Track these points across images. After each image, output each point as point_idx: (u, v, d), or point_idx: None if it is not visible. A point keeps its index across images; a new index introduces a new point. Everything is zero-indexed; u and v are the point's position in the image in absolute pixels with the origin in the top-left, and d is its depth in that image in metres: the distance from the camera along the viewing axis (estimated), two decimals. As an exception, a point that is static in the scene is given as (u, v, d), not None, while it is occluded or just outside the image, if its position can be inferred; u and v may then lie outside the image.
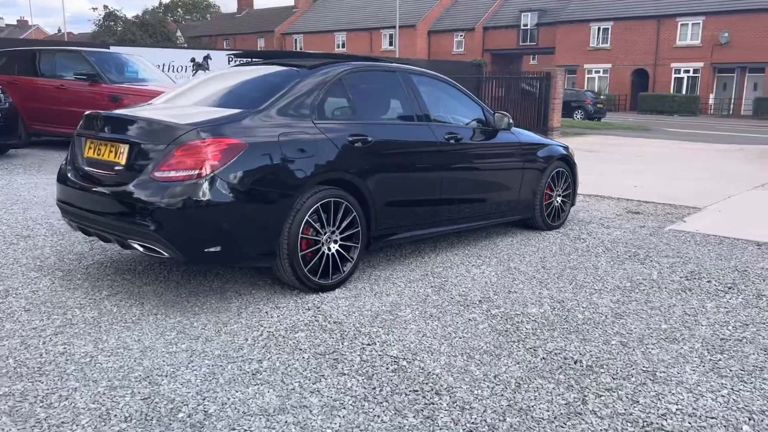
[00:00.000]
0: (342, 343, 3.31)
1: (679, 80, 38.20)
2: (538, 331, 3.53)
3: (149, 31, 47.22)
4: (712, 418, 2.61)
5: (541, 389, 2.83)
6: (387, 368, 3.02)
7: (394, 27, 51.27)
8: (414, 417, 2.59)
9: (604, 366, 3.08)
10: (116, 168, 3.78)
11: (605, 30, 40.64)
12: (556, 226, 6.17)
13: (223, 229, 3.59)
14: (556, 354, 3.22)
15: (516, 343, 3.35)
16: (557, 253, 5.26)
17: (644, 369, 3.06)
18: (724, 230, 6.24)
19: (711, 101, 36.92)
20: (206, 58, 16.10)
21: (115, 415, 2.59)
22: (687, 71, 37.84)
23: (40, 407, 2.64)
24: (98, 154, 3.95)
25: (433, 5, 50.58)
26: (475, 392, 2.80)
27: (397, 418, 2.58)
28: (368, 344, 3.31)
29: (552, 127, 18.38)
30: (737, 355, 3.25)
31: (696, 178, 10.11)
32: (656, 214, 7.12)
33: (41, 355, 3.14)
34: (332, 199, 4.02)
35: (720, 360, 3.18)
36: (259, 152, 3.72)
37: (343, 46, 53.87)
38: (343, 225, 4.11)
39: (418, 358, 3.14)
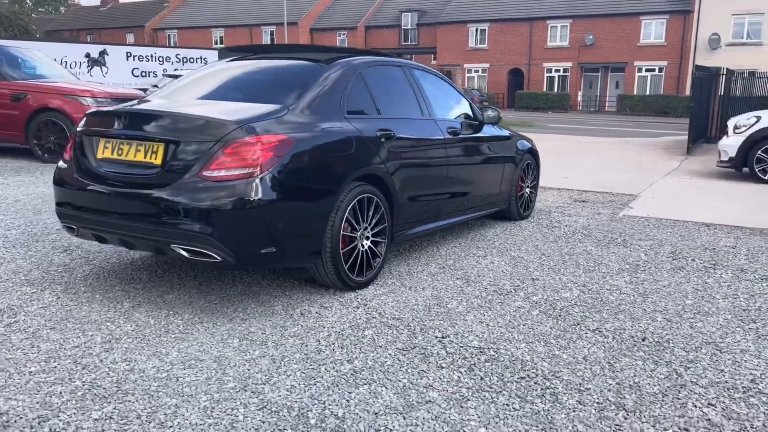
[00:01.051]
0: (416, 338, 3.30)
1: (551, 79, 40.80)
2: (588, 313, 3.71)
3: (3, 24, 43.14)
4: (788, 378, 2.91)
5: (634, 366, 2.99)
6: (479, 358, 3.06)
7: (274, 24, 50.65)
8: (542, 402, 2.65)
9: (670, 341, 3.31)
10: (150, 168, 3.51)
11: (482, 31, 42.51)
12: (526, 216, 6.45)
13: (277, 229, 3.45)
14: (620, 333, 3.41)
15: (577, 327, 3.50)
16: (545, 240, 5.51)
17: (705, 341, 3.32)
18: (669, 214, 6.83)
19: (579, 98, 39.78)
20: (102, 53, 15.08)
21: (243, 428, 2.44)
22: (558, 70, 40.49)
23: (155, 427, 2.43)
24: (119, 154, 3.64)
25: (315, 2, 50.43)
26: (579, 374, 2.91)
27: (527, 404, 2.63)
28: (443, 337, 3.32)
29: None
30: None
31: (610, 168, 10.91)
32: (602, 201, 7.63)
33: (108, 374, 2.87)
34: (366, 195, 3.98)
35: (758, 328, 3.52)
36: (305, 148, 3.61)
37: (221, 42, 52.30)
38: (374, 221, 4.08)
39: (501, 347, 3.20)
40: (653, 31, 37.20)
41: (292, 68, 4.25)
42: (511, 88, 41.88)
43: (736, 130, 9.67)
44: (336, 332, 3.37)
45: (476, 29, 42.73)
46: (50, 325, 3.40)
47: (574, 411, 2.58)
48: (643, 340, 3.32)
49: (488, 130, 5.65)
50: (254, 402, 2.63)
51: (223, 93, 4.09)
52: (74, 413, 2.52)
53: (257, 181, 3.34)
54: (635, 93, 37.53)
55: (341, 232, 3.80)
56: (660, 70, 37.27)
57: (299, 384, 2.79)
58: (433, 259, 4.82)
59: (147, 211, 3.47)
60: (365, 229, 4.02)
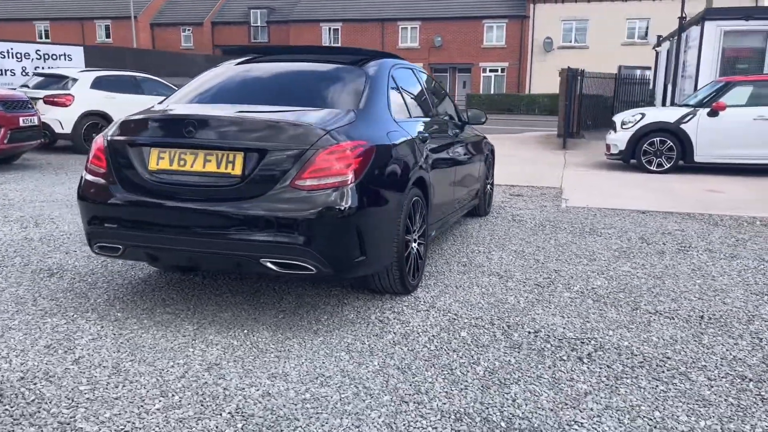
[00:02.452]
0: (513, 335, 3.41)
1: (404, 78, 42.14)
2: (632, 298, 4.03)
3: None
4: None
5: (720, 343, 3.34)
6: (588, 349, 3.24)
7: (110, 18, 47.17)
8: (680, 382, 2.89)
9: (722, 316, 3.73)
10: (226, 179, 3.27)
11: (335, 31, 42.86)
12: (488, 212, 6.77)
13: (367, 237, 3.39)
14: (678, 314, 3.76)
15: (638, 311, 3.81)
16: (525, 234, 5.83)
17: (750, 314, 3.77)
18: (602, 203, 7.50)
19: (431, 97, 41.54)
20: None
21: (445, 438, 2.42)
22: (409, 70, 41.93)
23: (360, 449, 2.34)
24: (182, 165, 3.35)
25: (155, -4, 47.69)
26: (683, 353, 3.20)
27: (670, 386, 2.85)
28: (536, 332, 3.47)
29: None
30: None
31: (510, 163, 11.62)
32: (535, 195, 8.18)
33: (247, 400, 2.68)
34: (416, 198, 4.01)
35: (774, 299, 4.06)
36: (383, 154, 3.57)
37: (46, 36, 47.71)
38: (419, 223, 4.13)
39: (596, 337, 3.42)
40: (495, 34, 39.83)
41: (331, 71, 4.13)
42: (365, 86, 42.62)
43: (624, 126, 10.78)
44: (432, 335, 3.39)
45: (329, 28, 42.98)
46: (127, 358, 3.07)
47: (711, 387, 2.85)
48: (701, 317, 3.70)
49: (468, 130, 5.86)
50: (428, 411, 2.60)
51: (268, 97, 3.88)
52: (263, 446, 2.35)
53: (351, 188, 3.26)
54: (481, 92, 39.95)
55: (404, 236, 3.81)
56: (502, 70, 40.01)
57: (452, 389, 2.79)
58: (445, 258, 4.94)
59: (229, 225, 3.24)
60: (415, 232, 4.05)
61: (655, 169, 10.39)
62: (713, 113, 10.05)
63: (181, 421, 2.51)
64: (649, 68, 22.09)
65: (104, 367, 2.97)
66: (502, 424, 2.50)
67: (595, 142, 15.46)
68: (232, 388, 2.78)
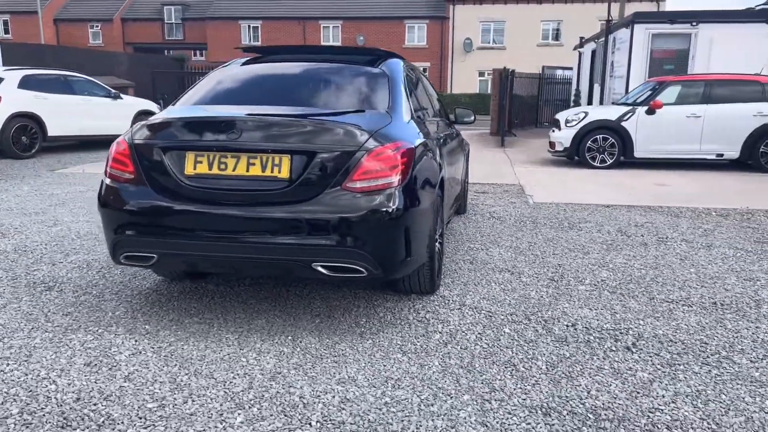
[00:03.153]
0: (554, 329, 3.51)
1: (326, 77, 41.99)
2: (644, 289, 4.24)
3: None
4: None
5: (743, 327, 3.58)
6: (635, 341, 3.39)
7: (9, 12, 44.25)
8: (726, 365, 3.07)
9: (732, 303, 3.97)
10: (273, 183, 3.18)
11: (255, 29, 42.10)
12: (466, 209, 6.90)
13: (413, 237, 3.39)
14: (691, 301, 3.98)
15: (654, 300, 4.00)
16: (510, 230, 5.98)
17: (755, 299, 4.05)
18: (566, 199, 7.81)
19: (354, 96, 41.62)
20: None
21: (543, 432, 2.48)
22: (332, 69, 41.82)
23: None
24: (222, 169, 3.23)
25: (60, -10, 45.15)
26: (717, 338, 3.40)
27: (720, 370, 3.03)
28: (572, 325, 3.58)
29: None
30: None
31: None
32: (500, 192, 8.40)
33: (330, 408, 2.63)
34: (438, 197, 4.05)
35: (764, 283, 4.37)
36: (419, 154, 3.58)
37: (-65, 33, 44.20)
38: (440, 222, 4.17)
39: (631, 327, 3.57)
40: (416, 34, 40.36)
41: (353, 71, 4.08)
42: (287, 86, 42.13)
43: (568, 124, 11.23)
44: (479, 333, 3.43)
45: (249, 26, 42.16)
46: (181, 371, 2.95)
47: (757, 369, 3.04)
48: (714, 304, 3.94)
49: (453, 129, 5.94)
50: (514, 407, 2.64)
51: (296, 98, 3.79)
52: (374, 452, 2.32)
53: (399, 189, 3.25)
54: (404, 91, 40.40)
55: (435, 236, 3.84)
56: (424, 70, 40.56)
57: (524, 384, 2.85)
58: (448, 255, 5.00)
59: (278, 229, 3.16)
60: (437, 231, 4.09)
61: (598, 165, 10.89)
62: (651, 111, 10.64)
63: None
64: (567, 68, 23.03)
65: (161, 382, 2.83)
66: (590, 416, 2.58)
67: (529, 140, 16.00)
68: (307, 396, 2.72)
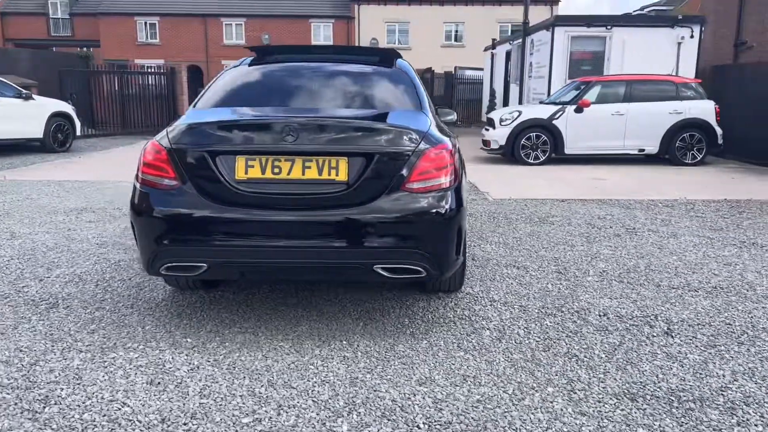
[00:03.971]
0: (589, 320, 3.68)
1: (230, 76, 40.96)
2: (645, 278, 4.51)
3: None
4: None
5: (755, 309, 3.89)
6: (668, 327, 3.62)
7: None
8: (760, 344, 3.36)
9: (729, 287, 4.32)
10: (331, 186, 3.13)
11: (153, 25, 40.35)
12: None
13: (462, 236, 3.45)
14: (694, 287, 4.29)
15: (660, 287, 4.27)
16: (488, 225, 6.16)
17: (746, 282, 4.42)
18: (523, 194, 8.12)
19: (260, 96, 40.86)
20: None
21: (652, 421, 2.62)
22: (236, 68, 40.83)
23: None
24: (276, 173, 3.14)
25: (-73, -19, 41.19)
26: (736, 321, 3.69)
27: (755, 346, 3.32)
28: (604, 314, 3.77)
29: (182, 123, 18.13)
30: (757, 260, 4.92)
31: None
32: (455, 190, 8.59)
33: (420, 408, 2.65)
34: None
35: (741, 269, 4.78)
36: (456, 155, 3.64)
37: None
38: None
39: (657, 313, 3.80)
40: (322, 33, 40.20)
41: (377, 72, 4.05)
42: (192, 85, 40.69)
43: (502, 123, 11.64)
44: (525, 328, 3.54)
45: (145, 23, 40.34)
46: (254, 384, 2.85)
47: (780, 343, 3.35)
48: (714, 288, 4.26)
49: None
50: (601, 395, 2.76)
51: (325, 99, 3.73)
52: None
53: (452, 189, 3.30)
54: (311, 90, 40.15)
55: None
56: (331, 69, 40.52)
57: (596, 373, 2.98)
58: (451, 254, 5.09)
59: (338, 233, 3.12)
60: (461, 229, 4.16)
61: (532, 161, 11.38)
62: (579, 110, 11.24)
63: (386, 439, 2.42)
64: (477, 68, 23.75)
65: (241, 396, 2.73)
66: (672, 398, 2.74)
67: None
68: (398, 399, 2.71)
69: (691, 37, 13.44)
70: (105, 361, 3.04)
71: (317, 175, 3.13)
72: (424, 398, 2.72)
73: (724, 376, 2.95)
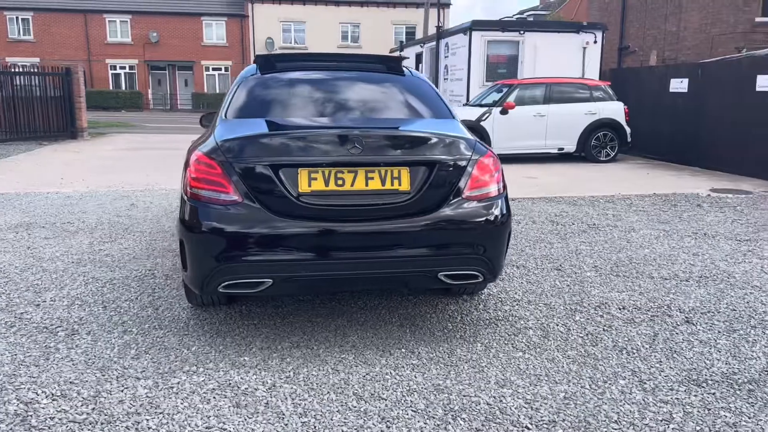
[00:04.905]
0: (611, 312, 3.94)
1: (117, 76, 38.85)
2: (639, 269, 4.86)
3: None
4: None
5: (746, 294, 4.31)
6: (688, 315, 3.94)
7: None
8: None
9: (711, 276, 4.75)
10: (394, 196, 3.15)
11: (25, 21, 37.45)
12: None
13: (509, 241, 3.57)
14: (681, 277, 4.68)
15: (654, 279, 4.64)
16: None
17: (723, 271, 4.87)
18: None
19: (150, 97, 39.07)
20: None
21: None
22: (123, 67, 38.77)
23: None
24: (340, 185, 3.12)
25: None
26: (748, 305, 4.09)
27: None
28: (622, 307, 4.03)
29: (81, 127, 17.13)
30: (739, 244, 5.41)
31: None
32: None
33: (517, 409, 2.77)
34: None
35: (714, 260, 5.28)
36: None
37: None
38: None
39: (669, 303, 4.12)
40: (215, 32, 39.08)
41: (396, 79, 4.09)
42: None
43: (432, 125, 11.93)
44: (564, 325, 3.72)
45: (17, 18, 37.37)
46: (342, 398, 2.84)
47: (782, 324, 3.76)
48: (701, 277, 4.68)
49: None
50: (680, 380, 2.99)
51: (362, 108, 3.73)
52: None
53: (503, 196, 3.43)
54: (206, 91, 38.92)
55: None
56: (226, 69, 39.49)
57: (667, 361, 3.21)
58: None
59: (404, 242, 3.16)
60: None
61: (462, 161, 11.74)
62: (504, 112, 11.75)
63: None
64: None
65: (337, 412, 2.71)
66: (731, 381, 3.02)
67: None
68: (492, 402, 2.80)
69: (595, 42, 14.40)
70: (172, 387, 2.89)
71: (380, 186, 3.15)
72: (514, 399, 2.82)
73: (759, 357, 3.28)
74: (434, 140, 3.27)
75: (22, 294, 4.16)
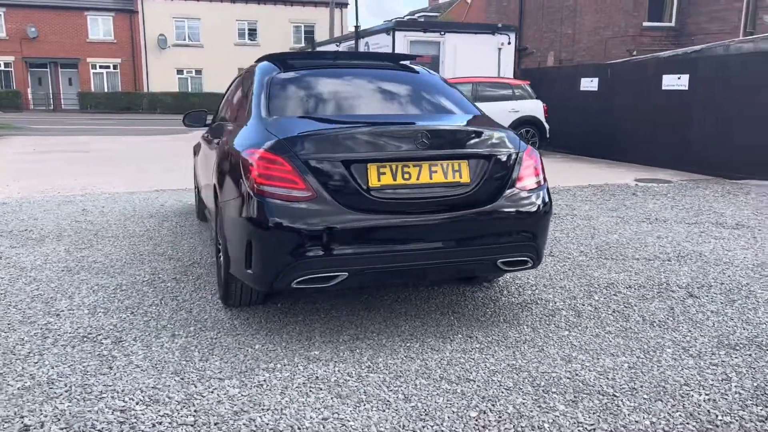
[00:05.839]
0: (624, 294, 4.30)
1: (-9, 74, 35.84)
2: (618, 253, 5.29)
3: None
4: None
5: (723, 271, 4.80)
6: (691, 290, 4.35)
7: None
8: None
9: (686, 257, 5.25)
10: (456, 188, 3.30)
11: None
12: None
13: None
14: (662, 258, 5.15)
15: (640, 261, 5.08)
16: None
17: (691, 251, 5.40)
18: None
19: (30, 96, 36.36)
20: None
21: None
22: (-2, 65, 35.84)
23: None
24: (406, 179, 3.23)
25: None
26: (730, 279, 4.58)
27: None
28: (628, 287, 4.41)
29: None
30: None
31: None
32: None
33: (601, 387, 3.03)
34: None
35: (689, 245, 5.83)
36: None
37: None
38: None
39: (665, 281, 4.54)
40: (101, 27, 36.95)
41: (414, 77, 4.23)
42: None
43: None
44: (589, 305, 4.01)
45: None
46: (448, 386, 2.97)
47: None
48: (678, 257, 5.16)
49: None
50: (716, 345, 3.35)
51: (403, 104, 3.85)
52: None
53: (546, 186, 3.67)
54: (93, 90, 36.78)
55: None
56: (115, 67, 37.47)
57: (693, 330, 3.57)
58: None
59: (468, 232, 3.32)
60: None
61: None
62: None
63: (615, 415, 2.72)
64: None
65: (437, 395, 2.83)
66: (755, 344, 3.41)
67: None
68: (571, 377, 3.01)
69: (509, 43, 15.14)
70: (261, 384, 2.89)
71: (443, 179, 3.29)
72: (588, 372, 3.06)
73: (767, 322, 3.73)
74: (487, 134, 3.45)
75: (30, 305, 3.91)
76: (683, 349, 3.33)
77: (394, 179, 3.20)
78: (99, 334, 3.45)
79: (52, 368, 3.03)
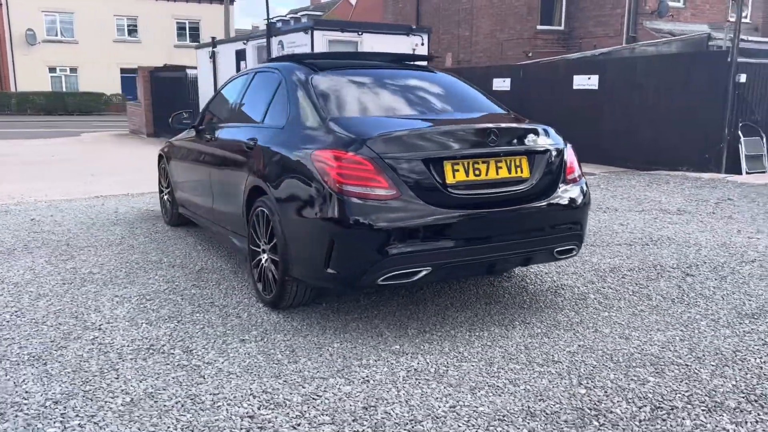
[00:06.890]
0: (628, 275, 4.70)
1: None
2: (609, 237, 5.73)
3: None
4: None
5: (707, 253, 5.36)
6: (686, 270, 4.82)
7: None
8: None
9: (664, 240, 5.78)
10: (518, 183, 3.50)
11: None
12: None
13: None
14: (644, 241, 5.64)
15: (624, 246, 5.53)
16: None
17: (663, 237, 5.95)
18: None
19: None
20: None
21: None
22: None
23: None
24: (477, 175, 3.39)
25: None
26: (714, 258, 5.10)
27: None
28: (631, 269, 4.82)
29: None
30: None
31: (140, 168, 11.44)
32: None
33: (657, 366, 3.34)
34: None
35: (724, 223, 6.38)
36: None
37: None
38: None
39: (658, 264, 5.00)
40: (-41, 20, 33.59)
41: (440, 77, 4.37)
42: None
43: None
44: (613, 289, 4.35)
45: None
46: (510, 378, 3.17)
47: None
48: (656, 240, 5.68)
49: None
50: (740, 316, 3.77)
51: (442, 103, 3.99)
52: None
53: (584, 180, 3.95)
54: (-48, 89, 33.44)
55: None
56: (-23, 64, 34.22)
57: (709, 306, 3.99)
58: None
59: (536, 224, 3.54)
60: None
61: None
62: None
63: (699, 381, 3.03)
64: (191, 68, 23.07)
65: (538, 377, 3.00)
66: None
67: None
68: (639, 352, 3.29)
69: (422, 44, 15.55)
70: (367, 380, 2.93)
71: (507, 174, 3.47)
72: (649, 346, 3.35)
73: (765, 294, 4.23)
74: (539, 131, 3.68)
75: (59, 320, 3.67)
76: (714, 321, 3.73)
77: (467, 175, 3.34)
78: (163, 345, 3.31)
79: (140, 382, 2.89)
